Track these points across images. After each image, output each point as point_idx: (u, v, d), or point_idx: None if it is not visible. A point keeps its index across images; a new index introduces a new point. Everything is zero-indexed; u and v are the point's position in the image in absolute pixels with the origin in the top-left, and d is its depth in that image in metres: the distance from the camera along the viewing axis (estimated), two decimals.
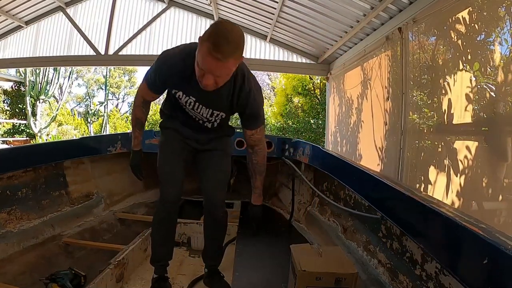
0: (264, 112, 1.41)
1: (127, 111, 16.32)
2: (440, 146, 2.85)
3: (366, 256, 1.50)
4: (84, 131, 14.05)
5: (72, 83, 14.72)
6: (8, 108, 12.20)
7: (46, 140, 11.28)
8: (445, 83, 2.67)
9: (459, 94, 2.53)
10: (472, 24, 2.45)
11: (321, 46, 5.38)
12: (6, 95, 12.20)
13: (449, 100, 2.64)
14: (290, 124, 9.96)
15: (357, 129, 4.58)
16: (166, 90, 1.40)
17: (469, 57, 2.49)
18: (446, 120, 2.68)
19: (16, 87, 12.30)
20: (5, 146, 9.03)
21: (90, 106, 16.00)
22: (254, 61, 6.01)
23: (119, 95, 20.80)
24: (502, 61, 2.24)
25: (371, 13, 3.63)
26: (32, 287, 1.41)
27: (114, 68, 18.85)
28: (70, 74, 12.99)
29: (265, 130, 1.44)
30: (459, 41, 2.59)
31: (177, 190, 1.47)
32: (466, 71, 2.49)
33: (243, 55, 1.14)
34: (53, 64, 7.90)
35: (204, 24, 6.09)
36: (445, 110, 2.68)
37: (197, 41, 1.10)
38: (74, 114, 15.36)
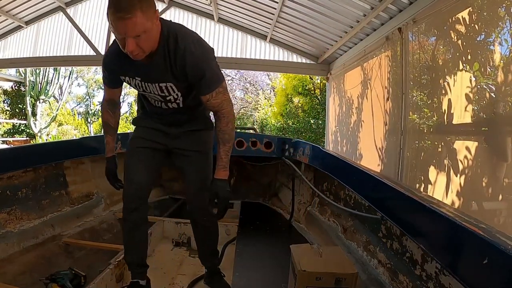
0: (218, 70, 1.22)
1: (127, 111, 16.29)
2: (440, 146, 2.85)
3: (366, 256, 1.50)
4: (84, 131, 14.04)
5: (72, 83, 14.69)
6: (8, 108, 12.20)
7: (46, 140, 11.28)
8: (445, 83, 2.68)
9: (459, 94, 2.53)
10: (472, 24, 2.45)
11: (321, 46, 5.38)
12: (6, 95, 12.20)
13: (449, 100, 2.64)
14: (290, 124, 9.97)
15: (357, 129, 4.59)
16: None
17: (469, 57, 2.49)
18: (446, 120, 2.69)
19: (16, 87, 12.29)
20: (5, 146, 9.03)
21: (90, 106, 15.97)
22: (254, 61, 6.02)
23: None
24: (502, 61, 2.24)
25: (371, 13, 3.63)
26: (32, 287, 1.41)
27: None
28: (70, 74, 12.97)
29: (226, 92, 1.25)
30: (459, 41, 2.60)
31: (142, 199, 1.39)
32: (466, 71, 2.49)
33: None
34: (53, 64, 7.89)
35: (204, 24, 6.09)
36: (445, 110, 2.68)
37: None
38: (74, 114, 15.35)
